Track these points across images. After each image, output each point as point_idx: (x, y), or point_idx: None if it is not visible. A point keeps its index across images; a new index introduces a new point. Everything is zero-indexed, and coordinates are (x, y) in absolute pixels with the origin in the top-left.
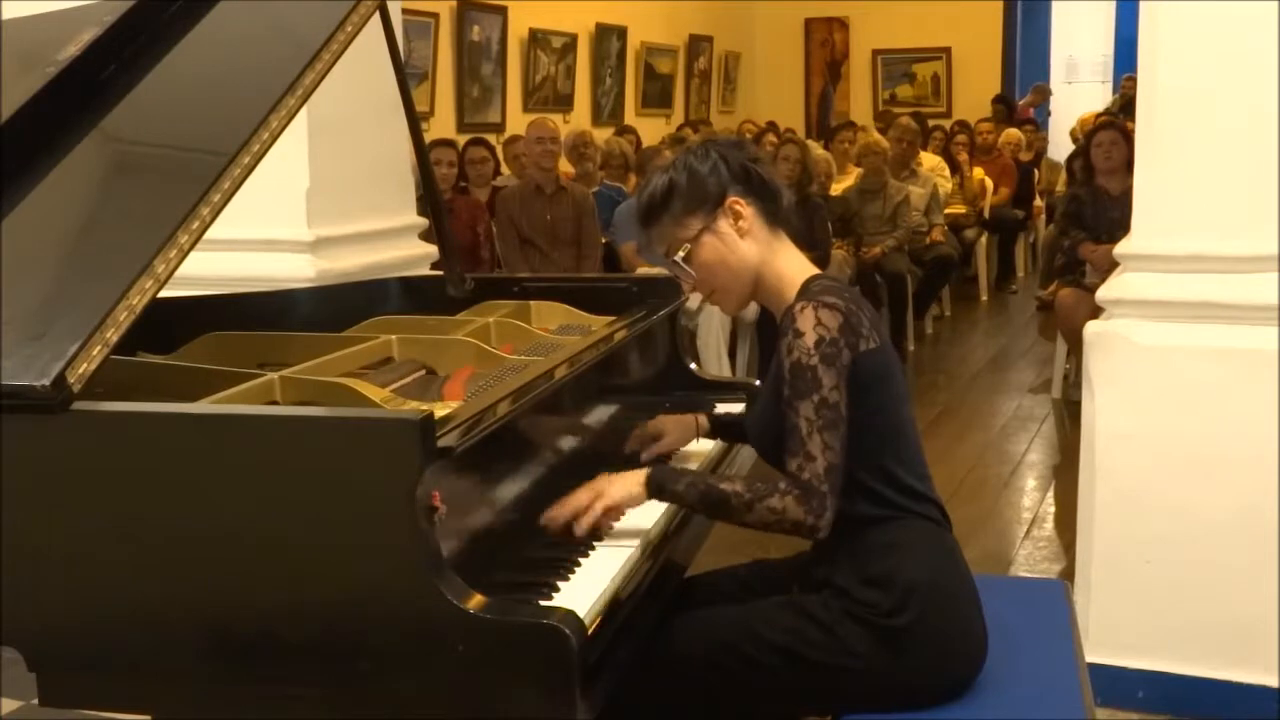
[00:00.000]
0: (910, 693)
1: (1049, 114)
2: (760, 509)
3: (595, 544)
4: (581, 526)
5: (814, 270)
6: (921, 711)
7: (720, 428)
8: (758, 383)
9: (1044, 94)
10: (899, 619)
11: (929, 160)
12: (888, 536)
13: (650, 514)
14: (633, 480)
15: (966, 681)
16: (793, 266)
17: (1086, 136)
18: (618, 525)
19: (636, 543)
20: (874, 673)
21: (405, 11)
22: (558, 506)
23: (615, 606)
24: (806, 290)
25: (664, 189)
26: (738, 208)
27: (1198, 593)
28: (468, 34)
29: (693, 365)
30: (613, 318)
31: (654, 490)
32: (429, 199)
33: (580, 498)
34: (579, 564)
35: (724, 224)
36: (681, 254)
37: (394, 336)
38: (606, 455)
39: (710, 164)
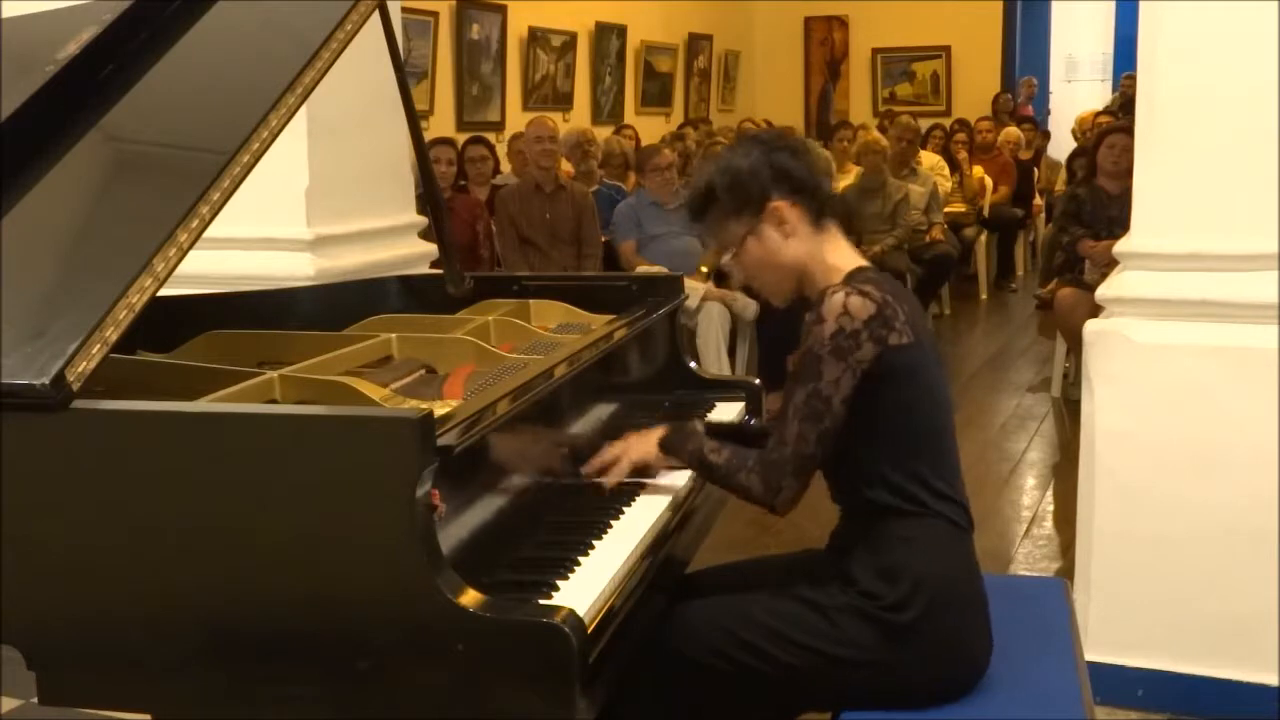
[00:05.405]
0: (908, 691)
1: (1049, 112)
2: (733, 482)
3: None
4: (609, 481)
5: (862, 262)
6: (920, 710)
7: (717, 438)
8: (757, 381)
9: (1030, 86)
10: (902, 614)
11: (928, 159)
12: (906, 531)
13: (651, 511)
14: (651, 441)
15: (965, 686)
16: (840, 258)
17: (1097, 136)
18: (617, 522)
19: (637, 540)
20: (873, 666)
21: (405, 10)
22: (595, 458)
23: (615, 604)
24: (849, 279)
25: (705, 190)
26: (780, 212)
27: (1197, 591)
28: (467, 32)
29: (692, 364)
30: (612, 316)
31: (665, 449)
32: (429, 197)
33: (608, 452)
34: (579, 563)
35: (767, 228)
36: (728, 256)
37: (393, 335)
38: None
39: (750, 163)
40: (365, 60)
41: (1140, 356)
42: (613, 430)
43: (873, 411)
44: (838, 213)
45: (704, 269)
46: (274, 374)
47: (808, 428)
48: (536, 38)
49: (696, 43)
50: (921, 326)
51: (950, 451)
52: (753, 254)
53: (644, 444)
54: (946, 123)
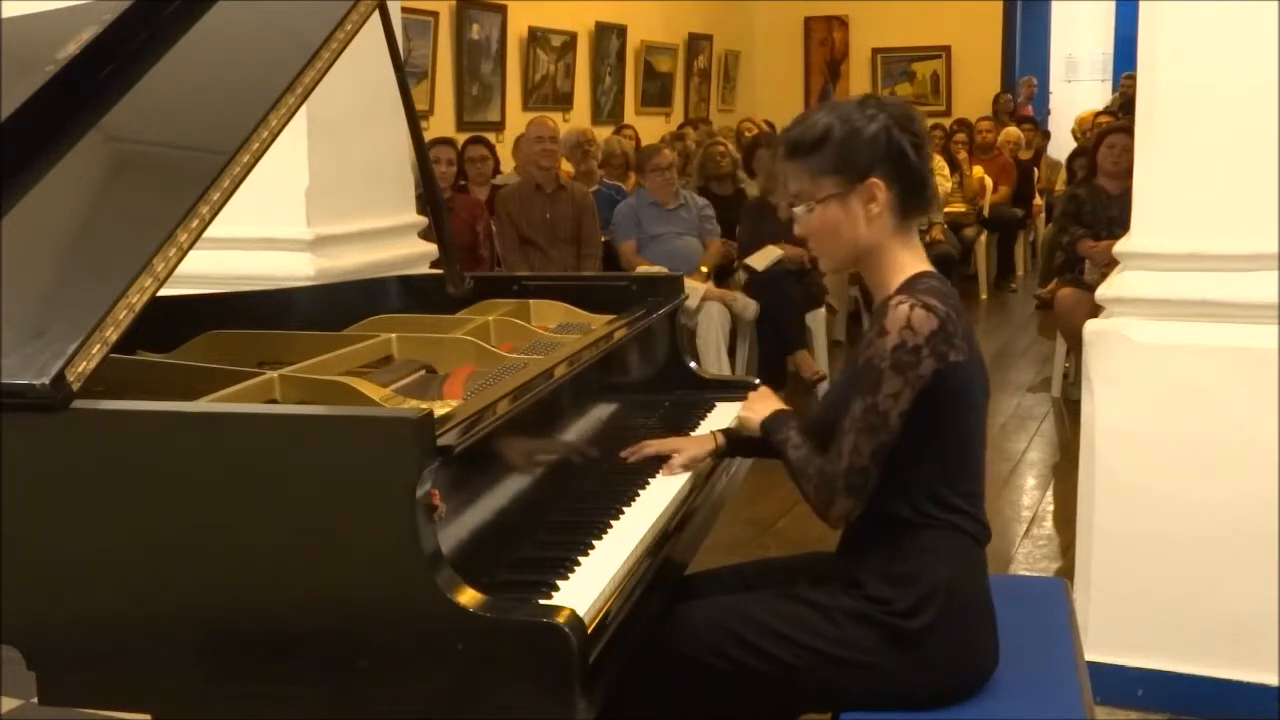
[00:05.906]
0: (910, 694)
1: (1049, 112)
2: (796, 481)
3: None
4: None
5: (927, 266)
6: (920, 712)
7: (738, 445)
8: (757, 381)
9: (1030, 86)
10: (911, 621)
11: None
12: (925, 541)
13: (651, 511)
14: (759, 415)
15: (969, 691)
16: (906, 259)
17: (1097, 136)
18: (617, 522)
19: (637, 540)
20: (875, 669)
21: (405, 10)
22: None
23: (615, 605)
24: (911, 286)
25: (819, 135)
26: (875, 191)
27: (1197, 591)
28: (467, 32)
29: (692, 364)
30: (612, 316)
31: (765, 428)
32: (429, 198)
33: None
34: (579, 563)
35: (855, 201)
36: (802, 208)
37: (393, 335)
38: (606, 453)
39: (873, 130)
40: (365, 60)
41: (1140, 356)
42: (613, 430)
43: (922, 427)
44: (927, 212)
45: (704, 269)
46: (274, 374)
47: (863, 441)
48: (536, 38)
49: (696, 43)
50: (974, 339)
51: (977, 466)
52: (828, 218)
53: (752, 416)
54: (946, 123)
